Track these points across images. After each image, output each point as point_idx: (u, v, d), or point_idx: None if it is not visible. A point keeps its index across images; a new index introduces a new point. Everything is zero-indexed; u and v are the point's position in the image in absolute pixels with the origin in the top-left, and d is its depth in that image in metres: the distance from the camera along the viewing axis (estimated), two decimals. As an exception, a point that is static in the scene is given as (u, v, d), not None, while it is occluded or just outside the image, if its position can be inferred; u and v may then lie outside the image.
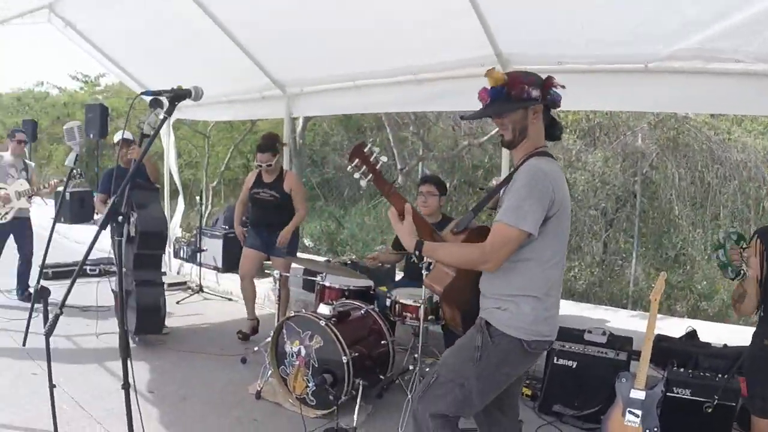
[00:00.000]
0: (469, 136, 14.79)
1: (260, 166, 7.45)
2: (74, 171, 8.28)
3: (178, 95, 3.74)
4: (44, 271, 9.26)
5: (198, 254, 10.63)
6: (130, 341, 7.33)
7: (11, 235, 8.83)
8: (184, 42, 8.25)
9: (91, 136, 18.66)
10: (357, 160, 3.51)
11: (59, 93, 35.44)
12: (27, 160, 9.18)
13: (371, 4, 6.16)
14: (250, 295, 7.94)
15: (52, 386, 4.26)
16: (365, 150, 3.51)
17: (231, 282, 10.05)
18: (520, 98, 3.23)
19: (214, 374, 6.56)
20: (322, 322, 5.45)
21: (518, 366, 3.44)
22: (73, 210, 16.49)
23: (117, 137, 8.11)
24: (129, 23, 8.27)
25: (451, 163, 15.73)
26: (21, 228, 8.90)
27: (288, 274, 7.33)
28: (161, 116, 6.78)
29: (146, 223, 7.18)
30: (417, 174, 14.87)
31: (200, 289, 10.24)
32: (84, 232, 15.57)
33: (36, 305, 6.49)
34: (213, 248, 10.87)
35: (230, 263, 10.51)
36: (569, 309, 9.35)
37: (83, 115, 27.72)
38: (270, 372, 5.99)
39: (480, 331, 3.31)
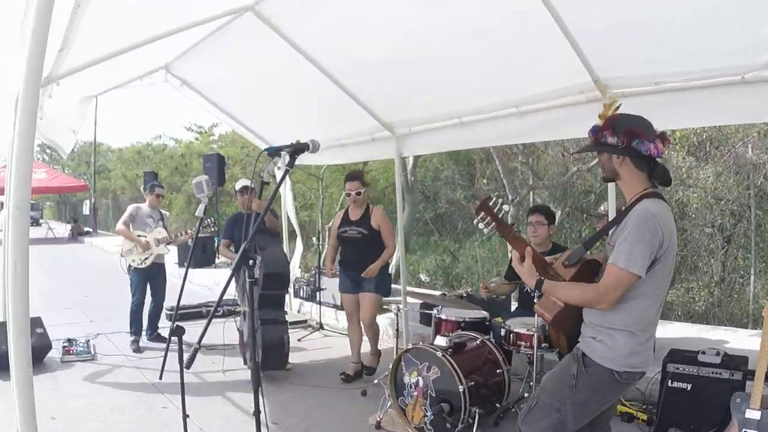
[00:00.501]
0: (579, 162, 14.79)
1: (349, 194, 7.65)
2: (208, 220, 8.89)
3: (297, 149, 4.23)
4: (170, 313, 9.95)
5: (317, 293, 11.03)
6: None
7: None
8: (293, 91, 8.63)
9: (211, 184, 19.49)
10: (483, 213, 3.95)
11: (175, 144, 36.88)
12: (162, 210, 9.86)
13: (469, 44, 6.32)
14: (355, 339, 8.02)
15: (185, 416, 4.77)
16: (490, 204, 3.94)
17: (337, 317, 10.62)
18: (598, 142, 3.54)
19: (336, 406, 6.86)
20: (439, 353, 5.67)
21: (610, 394, 3.65)
22: (196, 255, 17.14)
23: (239, 185, 8.64)
24: (239, 77, 8.73)
25: (562, 190, 15.68)
26: (157, 273, 9.55)
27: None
28: (279, 165, 7.25)
29: (270, 264, 7.63)
30: (528, 203, 14.89)
31: (320, 327, 10.59)
32: (205, 276, 16.40)
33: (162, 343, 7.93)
34: (331, 286, 11.09)
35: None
36: (687, 331, 9.37)
37: (200, 164, 28.98)
38: (389, 403, 6.23)
39: (576, 361, 3.55)
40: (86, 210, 42.59)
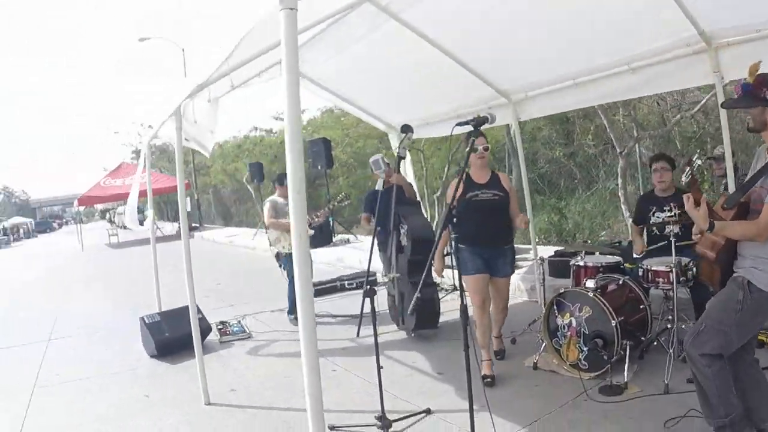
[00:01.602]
0: (675, 109, 14.86)
1: (476, 150, 6.34)
2: (340, 195, 9.52)
3: (479, 121, 4.74)
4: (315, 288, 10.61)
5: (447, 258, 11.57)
6: (407, 335, 8.40)
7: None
8: (408, 71, 8.95)
9: (320, 167, 20.20)
10: (687, 167, 4.76)
11: (267, 135, 37.54)
12: None
13: (580, 5, 6.56)
14: (487, 332, 6.68)
15: (379, 368, 5.43)
16: (692, 159, 4.81)
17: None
18: (757, 97, 4.03)
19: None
20: (591, 294, 6.18)
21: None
22: (314, 235, 17.85)
23: (371, 159, 9.09)
24: (354, 63, 9.00)
25: (665, 138, 15.77)
26: None
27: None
28: (412, 138, 7.65)
29: (416, 231, 8.13)
30: (635, 155, 15.02)
31: (455, 288, 11.03)
32: (326, 254, 17.34)
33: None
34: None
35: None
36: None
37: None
38: (544, 345, 6.77)
39: (741, 288, 4.13)
40: (188, 207, 43.65)
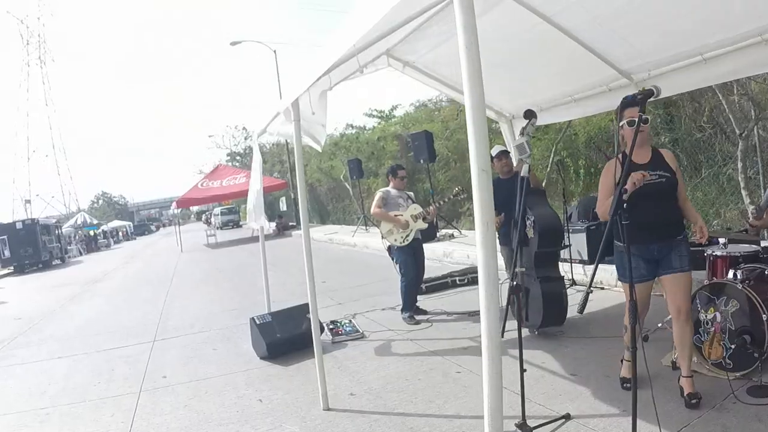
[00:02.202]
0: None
1: (632, 123, 5.02)
2: (458, 190, 9.32)
3: (646, 94, 4.38)
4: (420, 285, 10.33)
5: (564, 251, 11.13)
6: (532, 333, 8.05)
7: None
8: (521, 54, 8.63)
9: (422, 161, 19.95)
10: None
11: (358, 131, 37.60)
12: (408, 192, 10.19)
13: None
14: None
15: (522, 370, 5.03)
16: None
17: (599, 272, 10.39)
18: None
19: (618, 354, 6.62)
20: (739, 286, 5.63)
21: None
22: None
23: (495, 150, 8.81)
24: (455, 50, 8.59)
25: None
26: (419, 248, 9.94)
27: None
28: (535, 125, 7.30)
29: (544, 222, 7.77)
30: (754, 137, 14.31)
31: (573, 283, 10.64)
32: (428, 250, 16.52)
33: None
34: (576, 242, 11.29)
35: (594, 254, 10.87)
36: None
37: (394, 146, 29.42)
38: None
39: None
40: (283, 206, 44.17)
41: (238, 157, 67.73)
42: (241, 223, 58.03)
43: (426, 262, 10.27)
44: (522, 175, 5.66)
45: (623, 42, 7.84)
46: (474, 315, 9.36)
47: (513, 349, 7.30)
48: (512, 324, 8.21)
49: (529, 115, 7.65)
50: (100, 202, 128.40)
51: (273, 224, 37.92)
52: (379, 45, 8.65)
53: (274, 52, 42.62)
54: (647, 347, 6.81)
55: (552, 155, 18.00)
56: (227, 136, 72.46)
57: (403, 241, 9.57)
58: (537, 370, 6.72)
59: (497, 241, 8.43)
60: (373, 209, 9.81)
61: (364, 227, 27.09)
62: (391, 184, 10.04)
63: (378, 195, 9.87)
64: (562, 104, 9.68)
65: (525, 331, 8.13)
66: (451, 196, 10.06)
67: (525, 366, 5.31)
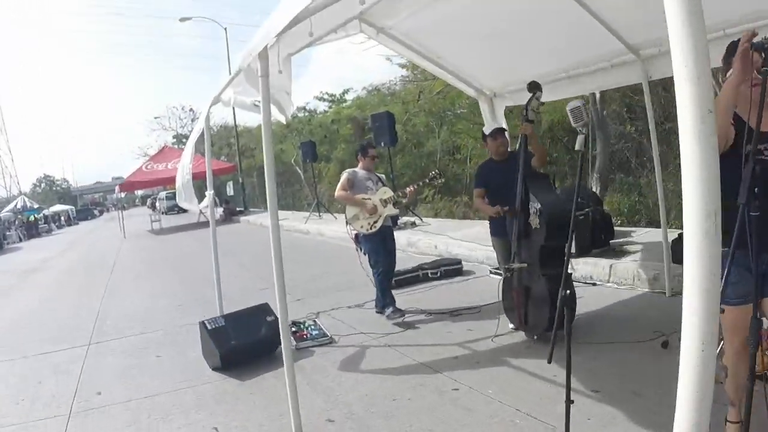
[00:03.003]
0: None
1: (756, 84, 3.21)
2: (433, 172, 8.40)
3: None
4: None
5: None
6: (530, 338, 7.02)
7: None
8: (512, 25, 7.72)
9: (383, 144, 18.81)
10: None
11: (310, 114, 36.75)
12: (379, 174, 9.17)
13: None
14: (740, 379, 3.69)
15: (569, 402, 4.01)
16: None
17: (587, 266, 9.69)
18: None
19: (645, 361, 5.90)
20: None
21: None
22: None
23: (488, 129, 7.65)
24: (447, 18, 7.86)
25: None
26: (388, 236, 8.81)
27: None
28: (542, 100, 6.27)
29: (553, 211, 6.67)
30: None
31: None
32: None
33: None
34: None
35: (584, 247, 10.25)
36: None
37: (348, 130, 28.41)
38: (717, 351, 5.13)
39: None
40: (230, 191, 43.10)
41: (184, 140, 66.14)
42: (202, 204, 56.72)
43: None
44: (576, 148, 4.29)
45: (633, 14, 6.91)
46: (455, 314, 8.35)
47: (515, 358, 6.47)
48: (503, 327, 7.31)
49: (534, 87, 6.80)
50: (42, 185, 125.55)
51: (220, 209, 36.56)
52: (353, 6, 7.75)
53: (225, 29, 41.61)
54: (669, 354, 5.84)
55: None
56: (174, 118, 70.51)
57: (371, 228, 8.50)
58: (550, 387, 5.58)
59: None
60: (338, 192, 8.77)
61: (317, 213, 25.78)
62: (360, 164, 8.99)
63: (344, 176, 8.80)
64: (555, 81, 8.70)
65: (520, 336, 7.18)
66: (427, 180, 8.88)
67: (536, 382, 5.10)
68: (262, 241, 21.09)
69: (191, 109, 70.04)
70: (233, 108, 40.40)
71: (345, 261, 10.21)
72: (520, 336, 7.15)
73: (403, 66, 25.17)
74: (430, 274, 10.90)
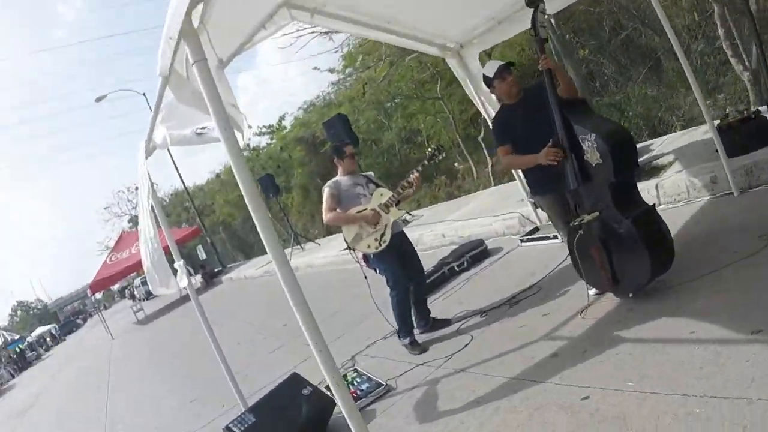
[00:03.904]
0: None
1: None
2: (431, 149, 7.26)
3: None
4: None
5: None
6: (625, 298, 5.65)
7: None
8: None
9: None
10: None
11: (255, 152, 35.73)
12: (367, 173, 7.61)
13: None
14: None
15: None
16: None
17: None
18: None
19: None
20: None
21: None
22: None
23: (490, 69, 6.07)
24: None
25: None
26: (402, 243, 7.26)
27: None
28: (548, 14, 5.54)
29: (614, 135, 5.26)
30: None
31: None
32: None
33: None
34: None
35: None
36: None
37: (301, 152, 27.07)
38: None
39: None
40: (202, 254, 41.74)
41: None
42: (178, 277, 55.10)
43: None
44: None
45: None
46: (514, 303, 6.94)
47: (623, 330, 5.09)
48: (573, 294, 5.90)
49: (532, 2, 5.43)
50: (19, 312, 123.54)
51: (198, 276, 34.95)
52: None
53: (144, 95, 40.49)
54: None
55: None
56: (122, 202, 69.11)
57: (380, 244, 6.85)
58: (696, 348, 4.23)
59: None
60: (326, 215, 7.08)
61: (297, 246, 24.19)
62: (340, 169, 7.33)
63: (325, 192, 7.13)
64: (517, 12, 7.55)
65: (611, 302, 5.76)
66: (427, 160, 7.21)
67: (667, 347, 4.13)
68: (252, 293, 19.69)
69: (137, 188, 68.67)
70: (178, 173, 39.49)
71: (351, 285, 8.81)
72: (612, 300, 5.72)
73: (332, 70, 23.82)
74: (456, 267, 9.39)
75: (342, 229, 7.08)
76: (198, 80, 3.53)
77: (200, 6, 3.38)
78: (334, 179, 7.28)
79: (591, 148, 5.19)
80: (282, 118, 35.03)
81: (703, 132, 9.43)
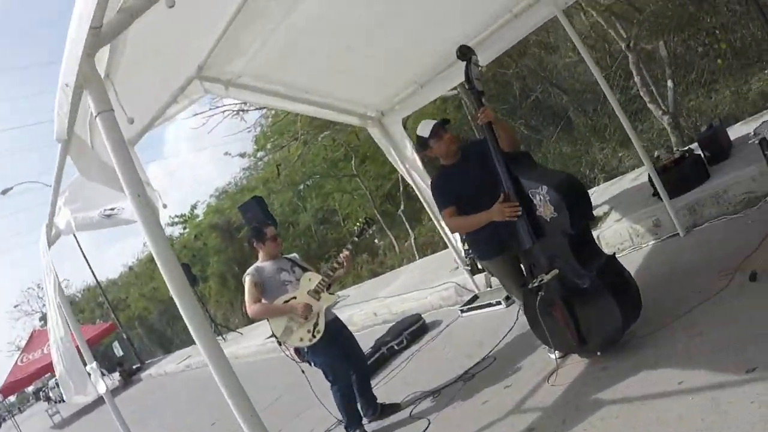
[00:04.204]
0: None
1: None
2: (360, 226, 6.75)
3: None
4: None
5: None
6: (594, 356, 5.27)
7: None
8: (363, 27, 6.62)
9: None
10: None
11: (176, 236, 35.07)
12: (290, 256, 6.84)
13: None
14: None
15: None
16: None
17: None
18: None
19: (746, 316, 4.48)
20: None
21: None
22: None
23: (425, 129, 5.53)
24: (291, 40, 6.36)
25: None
26: (340, 331, 6.56)
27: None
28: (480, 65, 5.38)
29: (565, 185, 4.94)
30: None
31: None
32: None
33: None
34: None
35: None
36: None
37: (216, 239, 26.44)
38: None
39: None
40: (119, 351, 40.34)
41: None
42: (94, 380, 53.09)
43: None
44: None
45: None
46: (468, 378, 6.40)
47: (601, 391, 4.72)
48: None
49: (466, 51, 5.15)
50: None
51: (116, 375, 33.64)
52: (187, 66, 6.24)
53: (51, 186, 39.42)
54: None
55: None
56: (33, 299, 66.82)
57: (314, 335, 6.10)
58: (692, 399, 3.89)
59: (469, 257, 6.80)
60: (250, 308, 6.18)
61: (219, 337, 22.99)
62: (261, 254, 6.51)
63: (247, 282, 6.26)
64: (448, 68, 7.38)
65: (578, 364, 5.34)
66: (356, 236, 6.72)
67: (658, 402, 3.91)
68: (174, 391, 18.78)
69: (39, 284, 66.54)
70: (89, 265, 38.26)
71: (284, 374, 8.16)
72: (579, 361, 5.32)
73: (243, 155, 23.39)
74: (396, 346, 8.75)
75: (269, 322, 6.29)
76: (104, 139, 2.96)
77: (106, 49, 2.86)
78: (256, 266, 6.46)
79: (543, 201, 4.82)
80: (194, 207, 34.41)
81: (632, 179, 9.46)
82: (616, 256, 5.36)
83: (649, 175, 7.47)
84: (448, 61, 7.04)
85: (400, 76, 7.61)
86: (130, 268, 41.11)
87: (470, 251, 6.11)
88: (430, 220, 18.82)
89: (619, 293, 4.78)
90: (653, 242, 7.34)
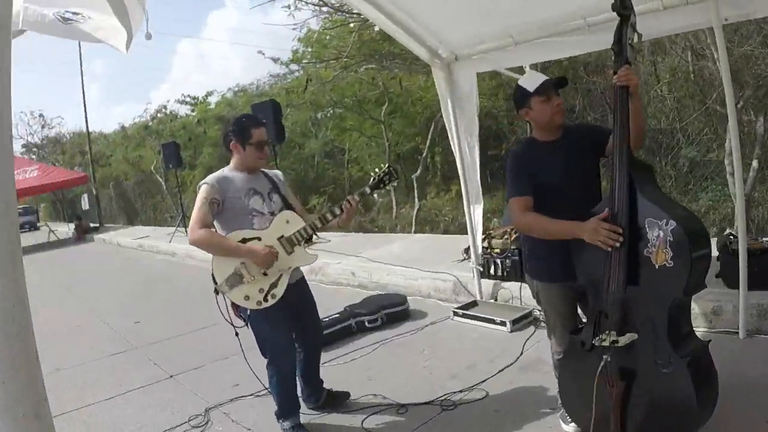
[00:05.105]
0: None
1: None
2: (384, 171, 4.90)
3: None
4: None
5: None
6: None
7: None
8: None
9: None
10: None
11: (171, 115, 34.47)
12: (274, 172, 5.12)
13: None
14: None
15: None
16: None
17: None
18: None
19: None
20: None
21: None
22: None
23: (531, 82, 3.94)
24: None
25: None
26: (301, 298, 5.00)
27: None
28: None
29: (692, 230, 3.44)
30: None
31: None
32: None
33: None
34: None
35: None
36: None
37: (217, 131, 25.09)
38: None
39: None
40: (85, 205, 39.12)
41: (35, 149, 61.46)
42: (38, 224, 51.55)
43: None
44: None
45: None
46: (447, 406, 4.96)
47: None
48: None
49: (629, 5, 3.80)
50: None
51: (72, 226, 32.49)
52: None
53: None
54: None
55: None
56: (22, 125, 65.58)
57: (265, 299, 4.54)
58: None
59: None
60: (192, 232, 4.44)
61: (182, 229, 21.08)
62: (234, 160, 4.73)
63: (201, 194, 4.54)
64: (567, 32, 6.00)
65: None
66: (374, 182, 4.84)
67: None
68: (117, 267, 17.69)
69: (41, 115, 65.03)
70: (85, 110, 37.28)
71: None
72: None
73: (276, 60, 21.81)
74: (368, 323, 7.39)
75: (212, 259, 4.64)
76: None
77: None
78: (222, 173, 4.69)
79: (660, 240, 3.34)
80: (209, 94, 33.04)
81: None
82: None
83: (719, 254, 6.19)
84: (569, 25, 5.79)
85: (495, 22, 6.19)
86: (123, 127, 39.63)
87: (526, 259, 4.35)
88: (435, 196, 17.78)
89: (702, 397, 3.40)
90: (703, 330, 5.92)
